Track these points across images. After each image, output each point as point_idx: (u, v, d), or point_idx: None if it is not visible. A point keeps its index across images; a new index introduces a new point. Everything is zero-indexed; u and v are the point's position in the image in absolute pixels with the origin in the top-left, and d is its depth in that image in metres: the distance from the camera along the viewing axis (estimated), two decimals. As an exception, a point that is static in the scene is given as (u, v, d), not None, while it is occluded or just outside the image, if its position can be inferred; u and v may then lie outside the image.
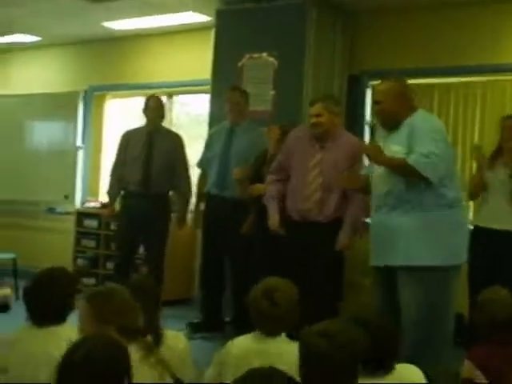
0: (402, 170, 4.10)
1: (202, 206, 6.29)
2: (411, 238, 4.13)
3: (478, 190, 5.30)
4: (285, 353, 2.87)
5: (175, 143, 6.45)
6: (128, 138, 6.48)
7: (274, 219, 5.18)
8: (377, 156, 4.18)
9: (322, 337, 2.25)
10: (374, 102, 4.39)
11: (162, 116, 6.43)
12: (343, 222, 5.03)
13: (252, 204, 5.72)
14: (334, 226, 5.01)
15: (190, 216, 6.63)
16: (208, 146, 6.22)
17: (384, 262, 4.25)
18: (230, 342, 3.15)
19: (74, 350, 2.14)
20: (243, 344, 3.10)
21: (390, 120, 4.28)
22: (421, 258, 4.11)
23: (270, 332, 3.03)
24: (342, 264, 5.27)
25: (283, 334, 3.04)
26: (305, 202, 5.03)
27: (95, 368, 2.08)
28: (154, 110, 6.36)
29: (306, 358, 2.26)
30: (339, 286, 5.36)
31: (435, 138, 4.13)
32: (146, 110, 6.38)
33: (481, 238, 5.16)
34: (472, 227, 5.23)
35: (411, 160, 4.05)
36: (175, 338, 3.21)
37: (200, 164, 6.31)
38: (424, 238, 4.12)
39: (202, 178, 6.29)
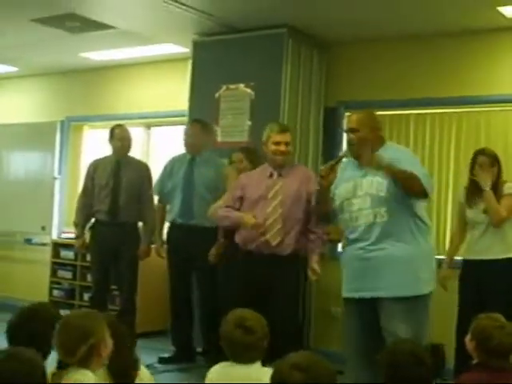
0: (411, 181, 4.06)
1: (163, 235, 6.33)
2: (396, 270, 4.13)
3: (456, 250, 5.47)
4: (261, 379, 2.88)
5: (142, 172, 6.45)
6: (95, 167, 6.47)
7: (247, 216, 4.98)
8: (390, 165, 4.06)
9: (297, 370, 2.24)
10: (349, 130, 4.33)
11: (129, 145, 6.41)
12: (306, 252, 5.01)
13: (219, 232, 5.73)
14: (293, 258, 4.99)
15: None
16: (168, 175, 6.22)
17: (367, 294, 4.22)
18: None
19: None
20: (217, 370, 3.14)
21: (364, 150, 4.25)
22: (407, 289, 4.13)
23: (246, 360, 3.05)
24: (299, 293, 5.27)
25: (258, 362, 3.07)
26: (266, 233, 4.93)
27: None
28: (120, 139, 6.35)
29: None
30: (298, 315, 5.38)
31: (420, 166, 4.30)
32: (112, 140, 6.38)
33: (468, 269, 5.28)
34: (462, 260, 5.38)
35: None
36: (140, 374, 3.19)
37: (159, 193, 6.29)
38: (407, 269, 4.14)
39: (162, 208, 6.31)
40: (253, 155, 5.64)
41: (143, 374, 3.21)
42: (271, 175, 5.06)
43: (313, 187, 4.73)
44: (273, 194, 4.99)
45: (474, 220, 5.26)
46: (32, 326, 2.97)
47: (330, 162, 4.34)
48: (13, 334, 3.01)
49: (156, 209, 6.36)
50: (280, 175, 5.06)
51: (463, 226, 5.42)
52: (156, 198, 6.39)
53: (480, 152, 5.29)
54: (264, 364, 3.02)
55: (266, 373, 2.93)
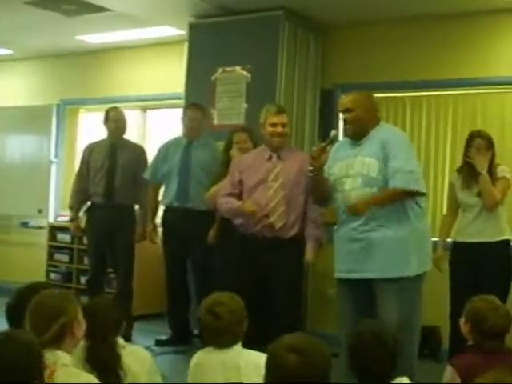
0: (395, 199, 4.16)
1: (157, 220, 6.32)
2: (388, 251, 4.14)
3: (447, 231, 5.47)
4: (238, 363, 2.95)
5: (138, 155, 6.44)
6: (91, 150, 6.46)
7: (246, 204, 4.95)
8: (368, 204, 4.13)
9: (292, 352, 2.24)
10: (345, 110, 4.34)
11: (124, 128, 6.40)
12: (304, 237, 5.01)
13: (217, 214, 5.70)
14: (294, 241, 4.99)
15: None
16: (163, 159, 6.19)
17: (359, 275, 4.23)
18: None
19: None
20: (198, 355, 3.20)
21: (360, 129, 4.30)
22: (398, 270, 4.14)
23: (220, 345, 3.08)
24: (301, 278, 5.26)
25: (238, 345, 3.09)
26: (270, 216, 4.92)
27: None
28: (115, 121, 6.34)
29: (275, 372, 2.26)
30: (300, 300, 5.36)
31: (411, 155, 4.29)
32: (107, 122, 6.37)
33: (460, 251, 5.27)
34: (452, 242, 5.38)
35: (399, 182, 4.12)
36: (137, 354, 3.19)
37: (152, 176, 6.24)
38: (398, 250, 4.15)
39: (155, 191, 6.29)
40: (253, 136, 5.62)
41: (143, 354, 3.22)
42: (270, 158, 5.04)
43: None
44: (273, 177, 4.97)
45: (467, 203, 5.26)
46: (24, 308, 2.97)
47: (321, 143, 4.37)
48: (12, 315, 3.02)
49: (149, 193, 6.30)
50: (279, 158, 5.04)
51: (455, 207, 5.41)
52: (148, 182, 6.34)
53: (476, 134, 5.26)
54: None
55: (247, 355, 3.01)
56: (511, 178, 5.22)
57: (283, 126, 5.02)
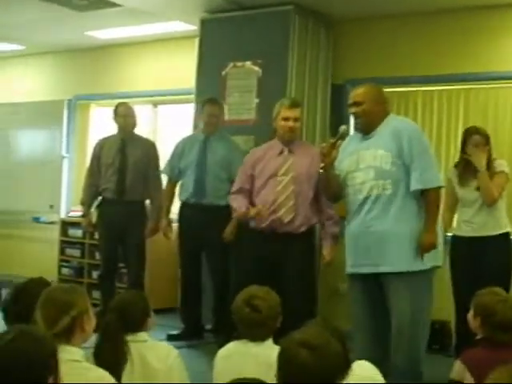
0: (437, 207, 4.22)
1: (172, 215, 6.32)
2: (399, 245, 4.14)
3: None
4: (270, 357, 2.91)
5: (148, 150, 6.44)
6: (101, 146, 6.47)
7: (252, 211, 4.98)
8: (432, 238, 4.16)
9: (305, 347, 2.23)
10: (354, 104, 4.33)
11: (133, 122, 6.41)
12: (314, 231, 5.03)
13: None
14: (305, 235, 5.00)
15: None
16: (179, 155, 6.16)
17: (370, 269, 4.23)
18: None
19: None
20: (229, 347, 3.21)
21: (370, 122, 4.29)
22: (409, 264, 4.13)
23: (255, 338, 3.10)
24: (314, 271, 5.26)
25: (270, 340, 3.11)
26: (278, 211, 4.93)
27: (13, 359, 2.05)
28: (123, 116, 6.35)
29: (286, 367, 2.26)
30: (314, 294, 5.37)
31: (427, 147, 4.28)
32: (116, 117, 6.38)
33: (461, 246, 5.27)
34: (451, 237, 5.37)
35: (419, 183, 4.12)
36: (158, 350, 3.20)
37: (169, 172, 6.25)
38: (409, 244, 4.13)
39: (172, 187, 6.27)
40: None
41: (165, 350, 3.22)
42: (281, 152, 5.03)
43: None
44: (284, 171, 4.97)
45: (467, 198, 5.26)
46: (20, 303, 2.98)
47: (331, 139, 4.36)
48: (7, 311, 3.02)
49: (165, 188, 6.32)
50: (290, 151, 5.04)
51: (454, 203, 5.39)
52: (165, 178, 6.36)
53: (473, 131, 5.26)
54: (276, 342, 3.04)
55: (276, 351, 2.99)
56: (510, 171, 5.23)
57: (296, 120, 5.00)
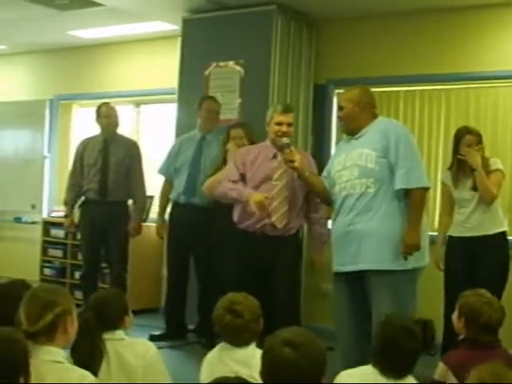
0: (422, 206, 4.23)
1: (165, 215, 6.29)
2: (381, 244, 4.15)
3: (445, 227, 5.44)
4: (255, 359, 2.92)
5: (131, 150, 6.43)
6: (84, 146, 6.46)
7: (256, 194, 4.81)
8: (416, 237, 4.14)
9: (288, 346, 2.24)
10: (339, 108, 4.47)
11: (116, 123, 6.41)
12: (299, 231, 5.06)
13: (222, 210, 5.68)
14: (292, 237, 5.00)
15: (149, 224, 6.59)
16: (175, 155, 6.18)
17: (353, 267, 4.23)
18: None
19: None
20: (214, 352, 3.22)
21: (351, 125, 4.36)
22: (391, 263, 4.14)
23: (239, 343, 3.11)
24: (298, 271, 5.30)
25: (253, 344, 3.12)
26: (271, 216, 4.86)
27: None
28: (106, 116, 6.34)
29: (270, 365, 2.26)
30: (297, 293, 5.39)
31: (414, 148, 4.31)
32: (99, 118, 6.38)
33: (457, 245, 5.27)
34: (448, 236, 5.36)
35: (403, 182, 4.14)
36: (136, 347, 3.21)
37: (165, 172, 6.26)
38: (392, 242, 4.14)
39: (168, 187, 6.26)
40: (250, 132, 5.61)
41: (143, 347, 3.24)
42: (275, 156, 4.98)
43: (314, 170, 4.87)
44: (278, 176, 4.93)
45: (463, 198, 5.24)
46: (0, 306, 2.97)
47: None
48: None
49: (162, 188, 6.31)
50: None
51: (451, 205, 5.38)
52: (162, 178, 6.34)
53: (465, 131, 5.24)
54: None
55: (259, 354, 3.02)
56: (504, 169, 5.25)
57: (289, 125, 4.97)
